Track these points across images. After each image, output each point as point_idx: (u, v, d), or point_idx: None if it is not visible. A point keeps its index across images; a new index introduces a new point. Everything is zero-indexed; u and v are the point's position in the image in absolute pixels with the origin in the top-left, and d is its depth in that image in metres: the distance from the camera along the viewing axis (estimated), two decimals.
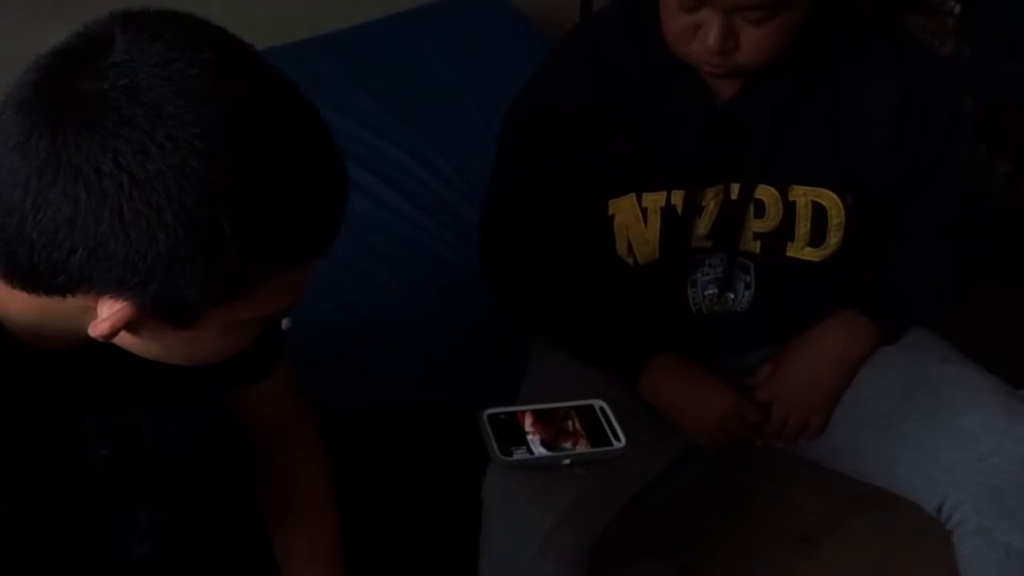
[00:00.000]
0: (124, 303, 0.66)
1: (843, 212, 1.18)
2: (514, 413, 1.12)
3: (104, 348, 0.71)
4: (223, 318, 0.69)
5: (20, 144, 0.62)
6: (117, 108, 0.61)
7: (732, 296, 1.24)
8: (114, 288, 0.65)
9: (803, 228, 1.19)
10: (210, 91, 0.63)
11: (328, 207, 0.70)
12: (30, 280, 0.66)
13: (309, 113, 0.70)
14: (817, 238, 1.20)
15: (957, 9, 2.06)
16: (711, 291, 1.23)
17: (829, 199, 1.18)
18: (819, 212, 1.18)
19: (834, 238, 1.20)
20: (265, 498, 1.03)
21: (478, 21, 1.91)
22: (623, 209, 1.19)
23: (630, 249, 1.22)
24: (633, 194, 1.19)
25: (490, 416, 1.10)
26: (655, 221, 1.19)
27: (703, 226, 1.19)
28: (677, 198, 1.18)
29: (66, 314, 0.69)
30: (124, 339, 0.70)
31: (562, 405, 1.15)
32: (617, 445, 1.11)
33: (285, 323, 1.22)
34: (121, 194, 0.61)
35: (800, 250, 1.20)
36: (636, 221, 1.19)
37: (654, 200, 1.19)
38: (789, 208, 1.18)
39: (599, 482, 1.12)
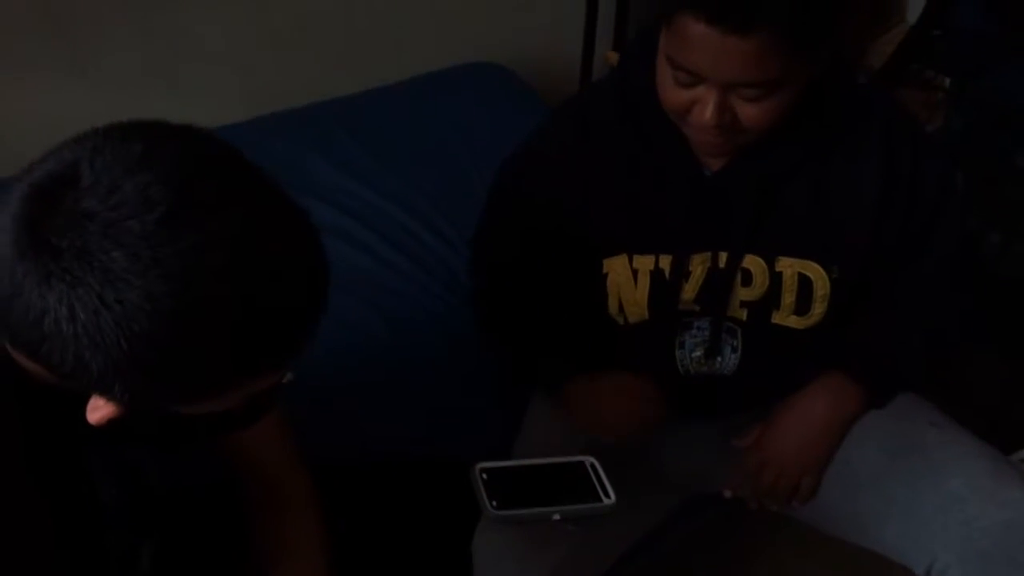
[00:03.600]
0: (108, 403, 0.71)
1: (828, 284, 1.21)
2: (506, 468, 1.14)
3: None
4: (200, 407, 0.74)
5: (8, 256, 0.66)
6: (71, 270, 0.65)
7: (719, 359, 1.27)
8: (94, 390, 0.70)
9: (788, 298, 1.22)
10: (158, 253, 0.64)
11: (286, 340, 0.72)
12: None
13: (275, 251, 0.69)
14: (802, 308, 1.23)
15: (947, 83, 2.12)
16: (698, 353, 1.26)
17: (815, 271, 1.21)
18: (805, 283, 1.22)
19: (819, 308, 1.23)
20: (257, 547, 1.04)
21: (484, 89, 1.97)
22: (616, 269, 1.23)
23: (621, 308, 1.25)
24: (625, 255, 1.22)
25: (482, 470, 1.12)
26: (644, 283, 1.23)
27: (690, 291, 1.23)
28: (665, 263, 1.22)
29: None
30: None
31: (553, 461, 1.17)
32: (607, 502, 1.13)
33: (287, 377, 1.24)
34: (78, 340, 0.65)
35: (785, 318, 1.24)
36: (627, 281, 1.23)
37: (644, 263, 1.22)
38: (775, 278, 1.22)
39: (589, 538, 1.14)
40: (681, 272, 1.22)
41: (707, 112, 1.06)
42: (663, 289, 1.23)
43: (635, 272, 1.23)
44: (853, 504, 1.24)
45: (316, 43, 1.98)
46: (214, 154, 0.70)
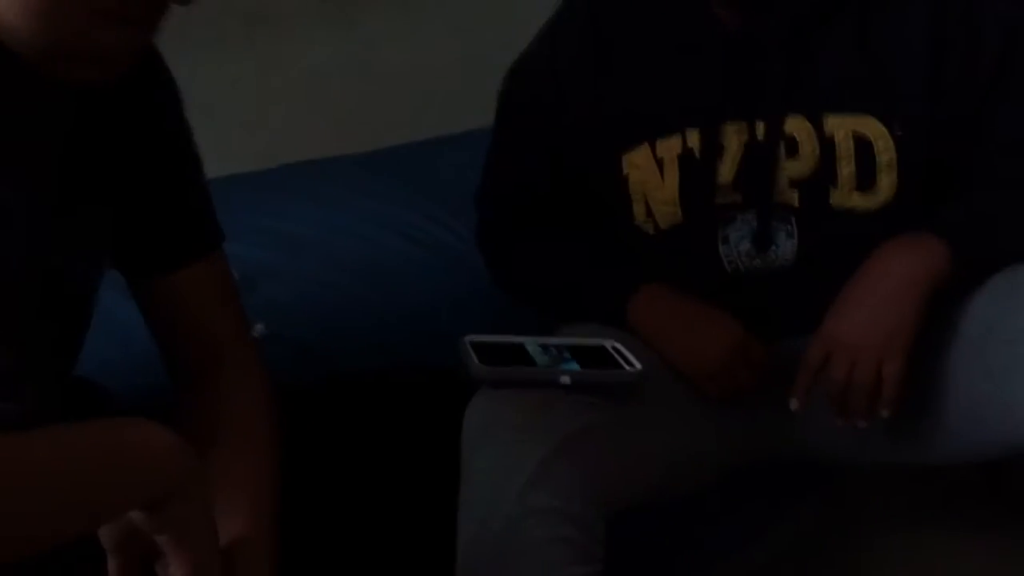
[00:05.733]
0: None
1: (892, 146, 1.02)
2: (504, 342, 0.91)
3: None
4: None
5: None
6: None
7: (774, 248, 1.05)
8: None
9: (846, 168, 1.03)
10: None
11: None
12: None
13: None
14: (864, 180, 1.03)
15: None
16: (746, 246, 1.05)
17: (874, 129, 1.02)
18: (863, 148, 1.02)
19: (886, 180, 1.03)
20: (192, 423, 0.83)
21: None
22: (638, 164, 1.06)
23: (649, 212, 1.07)
24: (647, 143, 1.06)
25: (474, 342, 0.89)
26: (673, 173, 1.05)
27: (727, 172, 1.04)
28: (694, 140, 1.05)
29: None
30: None
31: (565, 340, 0.93)
32: (631, 369, 0.89)
33: (259, 329, 1.07)
34: None
35: (847, 197, 1.03)
36: (653, 175, 1.06)
37: (670, 147, 1.05)
38: (827, 145, 1.03)
39: (613, 418, 0.88)
40: (714, 147, 1.04)
41: None
42: (695, 175, 1.04)
43: (660, 162, 1.05)
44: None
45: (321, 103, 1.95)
46: None
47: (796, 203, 1.04)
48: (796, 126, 1.03)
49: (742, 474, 1.09)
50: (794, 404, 0.99)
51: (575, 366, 0.87)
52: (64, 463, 0.54)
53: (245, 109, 1.89)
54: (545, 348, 0.90)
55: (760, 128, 1.04)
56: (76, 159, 0.74)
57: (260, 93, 1.95)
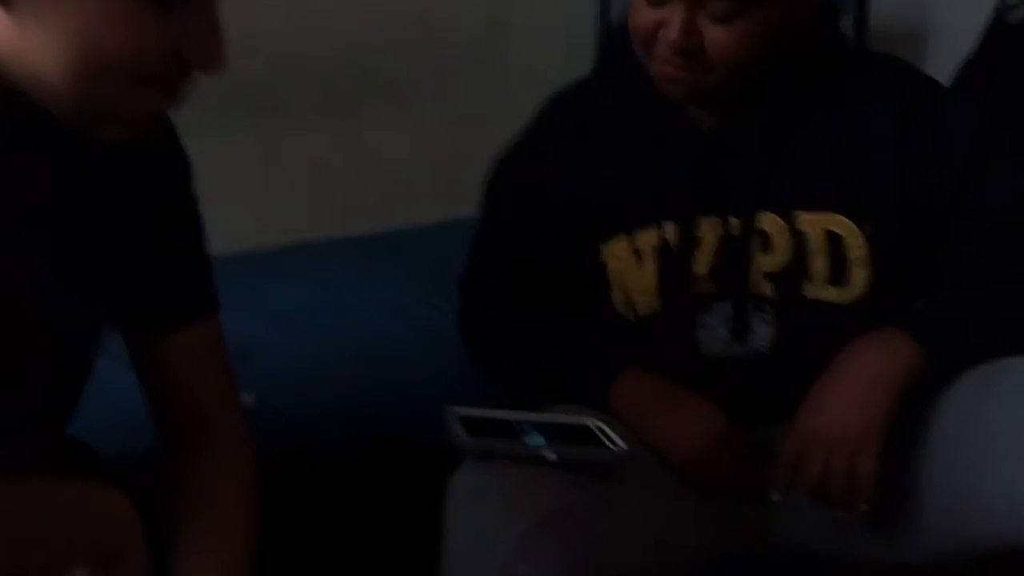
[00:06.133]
0: None
1: (863, 243, 1.06)
2: (490, 415, 0.93)
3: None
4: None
5: None
6: None
7: (752, 335, 1.08)
8: None
9: (819, 264, 1.07)
10: None
11: None
12: None
13: None
14: (837, 275, 1.07)
15: None
16: (724, 333, 1.09)
17: (844, 227, 1.07)
18: (835, 244, 1.07)
19: (859, 276, 1.07)
20: (173, 485, 0.87)
21: None
22: (617, 254, 1.11)
23: (628, 300, 1.11)
24: (625, 236, 1.11)
25: (460, 413, 0.92)
26: (651, 263, 1.10)
27: (703, 264, 1.09)
28: (671, 233, 1.09)
29: None
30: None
31: (550, 417, 0.96)
32: (615, 448, 0.91)
33: (247, 399, 1.11)
34: None
35: (821, 290, 1.07)
36: (631, 267, 1.10)
37: (647, 239, 1.10)
38: (799, 240, 1.07)
39: (597, 498, 0.90)
40: (690, 239, 1.08)
41: (672, 32, 1.00)
42: (673, 266, 1.09)
43: (638, 253, 1.10)
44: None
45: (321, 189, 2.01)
46: None
47: (771, 294, 1.08)
48: (769, 222, 1.08)
49: (726, 567, 1.10)
50: (776, 496, 1.01)
51: (559, 443, 0.90)
52: (24, 507, 0.55)
53: (247, 193, 1.94)
54: (530, 424, 0.93)
55: (734, 224, 1.08)
56: (91, 211, 0.77)
57: (263, 178, 2.00)
